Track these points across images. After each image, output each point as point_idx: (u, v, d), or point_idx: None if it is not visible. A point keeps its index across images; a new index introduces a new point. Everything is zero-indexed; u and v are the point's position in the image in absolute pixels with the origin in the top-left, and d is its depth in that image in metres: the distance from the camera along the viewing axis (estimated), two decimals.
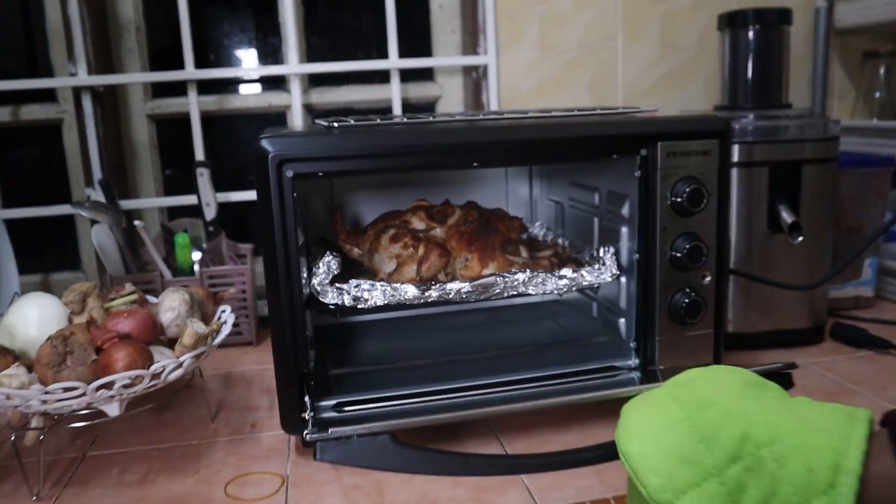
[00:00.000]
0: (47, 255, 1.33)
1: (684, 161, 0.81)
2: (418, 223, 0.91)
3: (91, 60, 1.18)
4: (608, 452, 0.73)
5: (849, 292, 1.24)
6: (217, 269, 1.12)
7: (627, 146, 0.80)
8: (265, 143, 0.71)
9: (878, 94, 1.36)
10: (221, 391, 0.98)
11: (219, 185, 1.17)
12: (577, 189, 1.00)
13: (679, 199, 0.80)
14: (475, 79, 1.30)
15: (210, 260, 1.15)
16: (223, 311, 0.88)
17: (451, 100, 1.37)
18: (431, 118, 0.81)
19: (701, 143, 0.81)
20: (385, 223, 0.92)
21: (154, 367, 0.72)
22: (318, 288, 0.79)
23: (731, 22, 1.08)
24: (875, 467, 0.48)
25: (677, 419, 0.53)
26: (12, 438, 0.74)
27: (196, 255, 1.15)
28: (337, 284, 0.80)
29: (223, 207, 1.17)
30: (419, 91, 1.36)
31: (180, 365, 0.74)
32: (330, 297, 0.79)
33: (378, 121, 0.79)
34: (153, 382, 0.72)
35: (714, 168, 0.81)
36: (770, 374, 0.75)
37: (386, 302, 0.79)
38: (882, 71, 1.35)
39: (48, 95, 1.27)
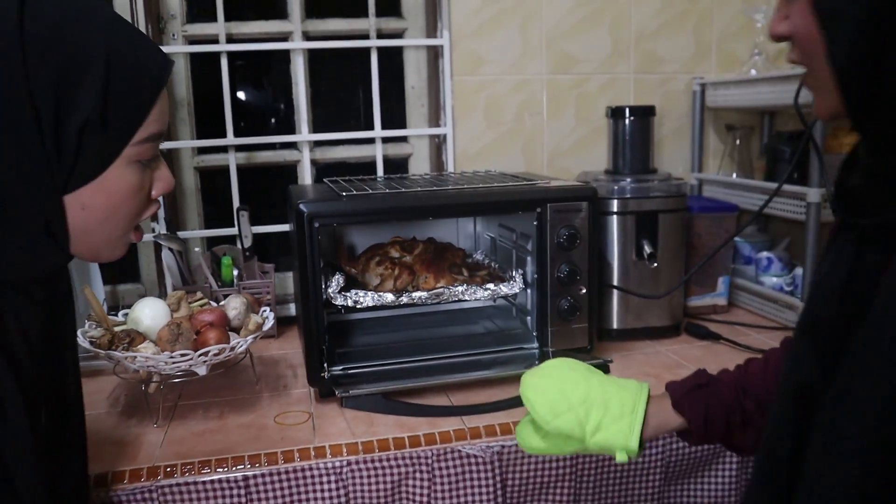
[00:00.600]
0: (114, 271, 1.76)
1: (565, 215, 1.27)
2: (394, 253, 1.37)
3: None
4: (515, 402, 1.18)
5: (707, 301, 1.71)
6: (251, 282, 1.56)
7: (528, 206, 1.26)
8: (302, 206, 1.16)
9: (735, 157, 1.84)
10: (260, 366, 1.42)
11: (250, 219, 1.61)
12: (503, 229, 1.46)
13: (562, 240, 1.26)
14: (437, 143, 1.76)
15: (245, 275, 1.59)
16: (265, 311, 1.33)
17: (420, 157, 1.83)
18: (403, 189, 1.27)
19: (576, 204, 1.27)
20: (372, 252, 1.38)
21: (232, 343, 1.16)
22: (331, 295, 1.25)
23: (614, 114, 1.55)
24: (652, 409, 0.91)
25: (554, 378, 0.95)
26: (143, 388, 1.18)
27: (234, 272, 1.59)
28: (342, 293, 1.26)
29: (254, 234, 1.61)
30: (397, 150, 1.82)
31: (246, 342, 1.19)
32: (339, 301, 1.24)
33: (369, 191, 1.25)
34: (230, 354, 1.17)
35: (586, 220, 1.28)
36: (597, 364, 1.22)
37: (373, 304, 1.25)
38: (737, 140, 1.83)
39: None
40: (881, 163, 0.56)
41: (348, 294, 1.26)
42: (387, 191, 1.24)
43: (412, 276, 1.32)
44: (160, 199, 0.79)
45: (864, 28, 0.51)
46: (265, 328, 1.25)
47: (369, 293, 1.26)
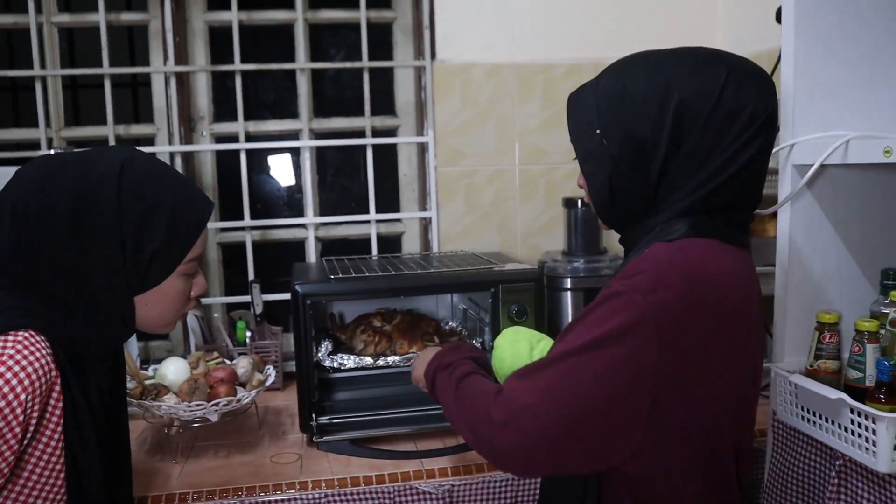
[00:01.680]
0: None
1: (516, 294, 1.54)
2: (377, 322, 1.65)
3: None
4: (465, 447, 1.44)
5: None
6: (261, 343, 1.85)
7: (483, 286, 1.53)
8: (297, 287, 1.45)
9: None
10: (263, 414, 1.70)
11: (263, 288, 1.90)
12: (472, 302, 1.73)
13: (512, 314, 1.53)
14: (424, 224, 2.06)
15: (256, 337, 1.88)
16: (269, 369, 1.61)
17: (411, 234, 2.12)
18: (380, 273, 1.54)
19: (524, 285, 1.54)
20: (359, 321, 1.67)
21: (238, 396, 1.45)
22: (321, 357, 1.53)
23: (567, 203, 1.83)
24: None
25: (513, 335, 1.21)
26: (165, 431, 1.47)
27: (248, 333, 1.88)
28: (330, 356, 1.54)
29: (264, 301, 1.91)
30: (392, 228, 2.11)
31: (250, 396, 1.47)
32: (327, 363, 1.53)
33: (353, 274, 1.53)
34: (237, 405, 1.45)
35: (532, 296, 1.55)
36: None
37: (354, 366, 1.53)
38: None
39: None
40: (624, 240, 1.00)
41: (335, 357, 1.54)
42: (367, 273, 1.53)
43: (390, 342, 1.60)
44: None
45: (605, 182, 0.93)
46: (267, 384, 1.53)
47: (352, 357, 1.54)
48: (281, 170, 2.15)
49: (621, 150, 0.90)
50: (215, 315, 1.85)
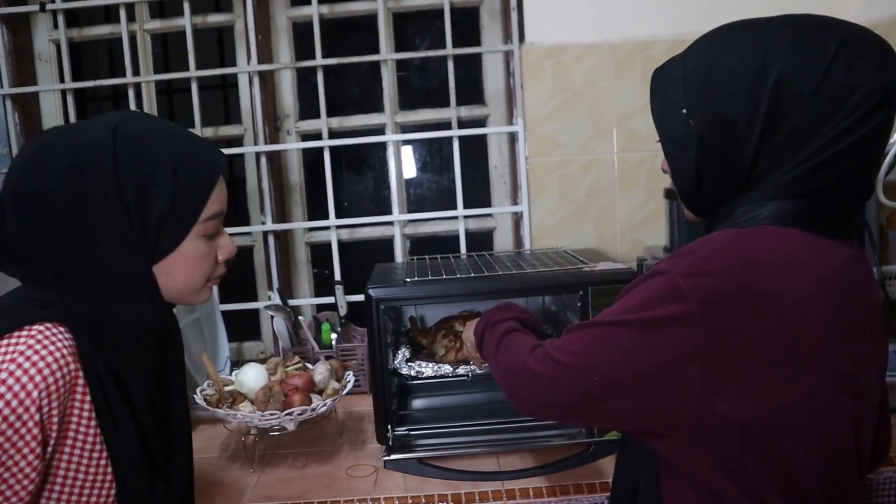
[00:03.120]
0: (240, 330, 2.07)
1: (607, 297, 1.40)
2: (459, 327, 1.55)
3: (274, 212, 1.92)
4: (549, 468, 1.32)
5: None
6: (346, 345, 1.80)
7: (571, 289, 1.41)
8: (371, 291, 1.38)
9: None
10: (348, 421, 1.64)
11: (348, 288, 1.85)
12: (560, 303, 1.60)
13: None
14: (516, 219, 1.94)
15: (342, 339, 1.83)
16: (349, 375, 1.55)
17: (503, 230, 2.01)
18: (459, 276, 1.44)
19: (616, 287, 1.40)
20: (440, 326, 1.57)
21: (313, 405, 1.39)
22: (398, 365, 1.45)
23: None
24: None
25: None
26: (242, 439, 1.43)
27: (333, 336, 1.83)
28: (408, 363, 1.46)
29: (350, 303, 1.85)
30: (482, 224, 2.01)
31: (325, 405, 1.41)
32: (404, 370, 1.45)
33: (430, 277, 1.44)
34: (311, 414, 1.39)
35: None
36: None
37: (432, 374, 1.44)
38: None
39: (246, 232, 2.01)
40: (706, 227, 0.91)
41: (412, 364, 1.46)
42: (444, 276, 1.43)
43: None
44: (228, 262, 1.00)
45: (691, 166, 0.85)
46: (344, 392, 1.47)
47: (430, 364, 1.46)
48: (369, 165, 2.09)
49: (710, 132, 0.82)
50: (300, 318, 1.82)
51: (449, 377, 1.47)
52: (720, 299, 0.75)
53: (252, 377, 1.48)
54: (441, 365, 1.46)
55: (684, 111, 0.84)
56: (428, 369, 1.46)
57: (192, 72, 1.86)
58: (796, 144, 0.78)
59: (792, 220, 0.79)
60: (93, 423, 0.86)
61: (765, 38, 0.79)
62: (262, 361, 1.54)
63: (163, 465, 0.98)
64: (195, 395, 1.43)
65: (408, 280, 1.41)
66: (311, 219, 2.01)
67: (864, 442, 0.86)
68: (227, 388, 1.47)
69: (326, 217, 1.91)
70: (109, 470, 0.88)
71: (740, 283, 0.76)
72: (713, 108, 0.81)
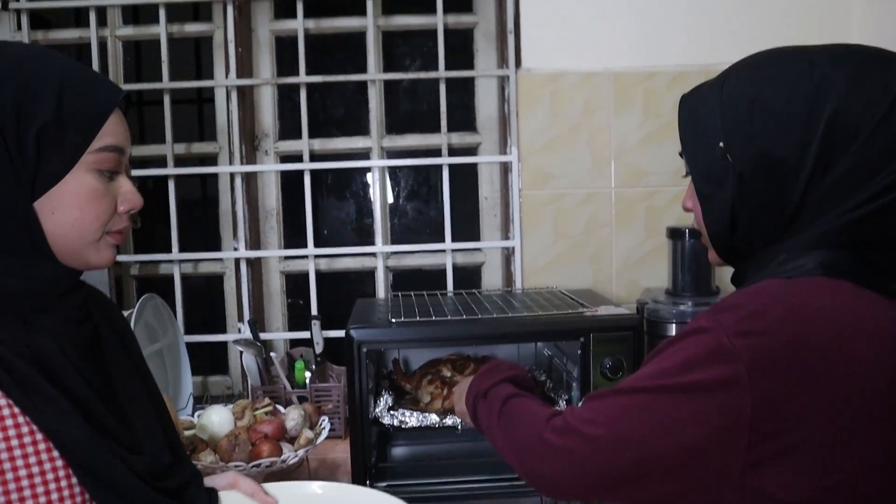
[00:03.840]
0: (206, 363, 1.92)
1: (610, 345, 1.29)
2: (446, 372, 1.42)
3: (247, 238, 1.78)
4: None
5: None
6: (321, 385, 1.66)
7: (571, 335, 1.29)
8: (353, 332, 1.25)
9: None
10: (320, 470, 1.50)
11: (328, 322, 1.71)
12: (557, 349, 1.49)
13: (605, 369, 1.28)
14: (507, 254, 1.82)
15: (317, 378, 1.69)
16: (323, 421, 1.41)
17: (492, 265, 1.89)
18: (449, 318, 1.32)
19: (620, 334, 1.29)
20: (426, 370, 1.45)
21: (283, 457, 1.25)
22: (379, 414, 1.32)
23: (672, 234, 1.56)
24: None
25: None
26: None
27: (308, 374, 1.69)
28: (391, 411, 1.32)
29: (327, 339, 1.71)
30: (470, 258, 1.89)
31: (297, 456, 1.27)
32: (385, 420, 1.31)
33: (418, 318, 1.31)
34: (281, 465, 1.25)
35: (631, 349, 1.29)
36: None
37: (417, 425, 1.31)
38: None
39: (217, 258, 1.87)
40: (736, 275, 0.83)
41: (395, 413, 1.33)
42: (434, 318, 1.30)
43: None
44: (134, 222, 0.86)
45: (726, 207, 0.76)
46: (318, 441, 1.33)
47: (414, 413, 1.33)
48: (351, 192, 1.97)
49: (752, 171, 0.73)
50: (272, 354, 1.68)
51: (435, 427, 1.34)
52: (772, 363, 0.65)
53: (216, 421, 1.34)
54: (427, 414, 1.33)
55: (721, 144, 0.75)
56: (412, 419, 1.33)
57: (166, 83, 1.73)
58: (847, 189, 0.70)
59: (843, 272, 0.70)
60: (7, 410, 0.72)
61: (818, 68, 0.71)
62: (230, 398, 1.41)
63: (129, 441, 0.82)
64: None
65: (394, 321, 1.29)
66: (287, 246, 1.88)
67: None
68: (187, 433, 1.32)
69: (304, 245, 1.78)
70: (56, 455, 0.74)
71: (796, 343, 0.66)
72: (757, 144, 0.72)
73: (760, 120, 0.72)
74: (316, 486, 1.03)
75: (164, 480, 0.84)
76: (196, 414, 1.42)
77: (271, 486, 1.02)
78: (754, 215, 0.75)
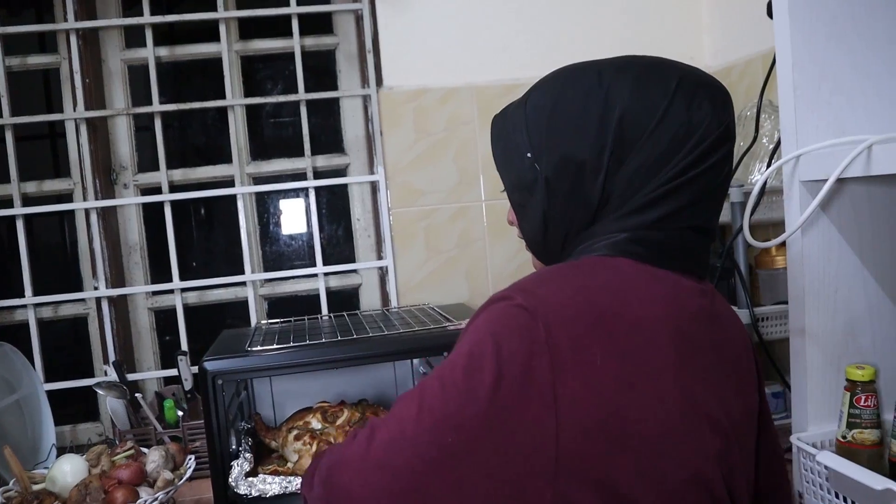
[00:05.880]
0: (75, 410, 1.81)
1: None
2: (316, 423, 1.33)
3: (108, 276, 1.70)
4: None
5: None
6: (193, 423, 1.58)
7: (435, 350, 1.27)
8: (206, 364, 1.19)
9: None
10: None
11: (199, 356, 1.64)
12: (429, 367, 1.47)
13: None
14: (381, 274, 1.80)
15: (189, 416, 1.62)
16: (189, 460, 1.34)
17: (370, 286, 1.86)
18: (309, 342, 1.27)
19: None
20: (293, 423, 1.35)
21: (140, 501, 1.18)
22: (233, 483, 1.21)
23: None
24: None
25: None
26: None
27: (180, 413, 1.61)
28: (248, 478, 1.22)
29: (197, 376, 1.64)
30: (347, 281, 1.86)
31: (156, 499, 1.20)
32: (242, 489, 1.21)
33: (276, 343, 1.27)
34: None
35: None
36: None
37: (282, 492, 1.20)
38: None
39: (79, 299, 1.77)
40: None
41: (253, 480, 1.22)
42: (292, 343, 1.26)
43: None
44: None
45: (538, 211, 0.80)
46: (180, 483, 1.26)
47: (276, 479, 1.21)
48: (218, 220, 1.91)
49: (557, 174, 0.79)
50: (137, 395, 1.59)
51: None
52: (561, 323, 0.68)
53: (69, 471, 1.25)
54: (292, 478, 1.21)
55: (529, 155, 0.80)
56: (275, 485, 1.20)
57: (7, 118, 1.63)
58: (640, 182, 0.76)
59: (620, 251, 0.76)
60: None
61: (605, 77, 0.77)
62: (102, 445, 1.32)
63: None
64: None
65: (250, 349, 1.24)
66: (154, 281, 1.80)
67: (740, 494, 0.77)
68: (36, 487, 1.23)
69: (170, 279, 1.71)
70: None
71: (576, 309, 0.69)
72: (559, 150, 0.78)
73: (560, 128, 0.78)
74: None
75: None
76: (44, 467, 1.33)
77: None
78: (563, 214, 0.79)
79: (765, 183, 1.07)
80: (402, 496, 0.67)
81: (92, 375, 1.77)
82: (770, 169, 1.03)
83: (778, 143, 1.09)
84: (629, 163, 0.75)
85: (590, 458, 0.66)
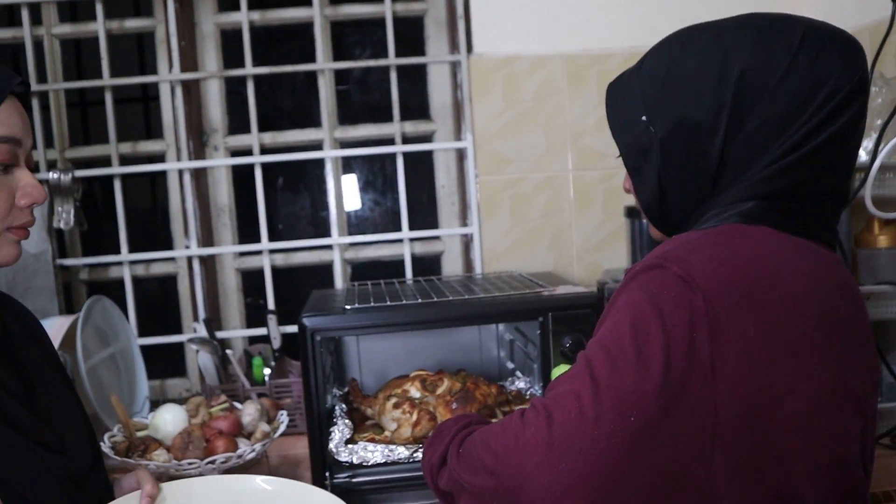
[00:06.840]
0: (163, 366, 1.86)
1: (569, 324, 1.27)
2: (415, 392, 1.29)
3: (199, 236, 1.74)
4: None
5: None
6: (280, 381, 1.62)
7: (530, 315, 1.27)
8: (305, 321, 1.21)
9: None
10: (281, 466, 1.46)
11: (284, 318, 1.67)
12: (519, 333, 1.47)
13: (565, 349, 1.26)
14: (465, 241, 1.80)
15: (276, 374, 1.65)
16: (282, 415, 1.37)
17: (452, 254, 1.87)
18: (405, 302, 1.28)
19: (579, 312, 1.27)
20: (390, 390, 1.30)
21: (239, 452, 1.21)
22: (334, 450, 1.19)
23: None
24: None
25: None
26: None
27: (266, 371, 1.65)
28: (348, 445, 1.20)
29: (285, 334, 1.67)
30: (429, 248, 1.87)
31: (254, 451, 1.23)
32: (343, 457, 1.18)
33: (372, 303, 1.28)
34: (238, 461, 1.21)
35: (590, 327, 1.26)
36: None
37: (384, 460, 1.17)
38: None
39: (169, 258, 1.82)
40: None
41: (355, 447, 1.19)
42: (388, 302, 1.28)
43: (433, 421, 1.19)
44: (36, 214, 0.83)
45: (653, 176, 0.78)
46: (275, 435, 1.29)
47: (378, 447, 1.18)
48: (305, 184, 1.93)
49: (673, 137, 0.76)
50: (228, 351, 1.63)
51: (404, 463, 1.18)
52: (717, 293, 0.66)
53: (169, 420, 1.29)
54: (392, 447, 1.18)
55: (644, 118, 0.78)
56: (377, 454, 1.17)
57: (106, 80, 1.68)
58: (763, 144, 0.73)
59: (760, 219, 0.73)
60: None
61: (724, 36, 0.75)
62: (184, 401, 1.36)
63: (50, 438, 0.80)
64: (102, 443, 1.23)
65: (348, 307, 1.25)
66: (241, 242, 1.84)
67: (868, 472, 0.76)
68: (139, 433, 1.28)
69: (258, 241, 1.74)
70: None
71: (723, 282, 0.67)
72: (675, 112, 0.76)
73: (676, 89, 0.76)
74: (259, 481, 0.99)
75: (82, 491, 0.81)
76: (149, 415, 1.37)
77: (211, 480, 0.99)
78: (680, 179, 0.77)
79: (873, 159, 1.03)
80: (592, 479, 0.64)
81: (181, 332, 1.82)
82: (889, 145, 1.00)
83: (889, 118, 1.05)
84: (750, 123, 0.72)
85: (741, 437, 0.65)
